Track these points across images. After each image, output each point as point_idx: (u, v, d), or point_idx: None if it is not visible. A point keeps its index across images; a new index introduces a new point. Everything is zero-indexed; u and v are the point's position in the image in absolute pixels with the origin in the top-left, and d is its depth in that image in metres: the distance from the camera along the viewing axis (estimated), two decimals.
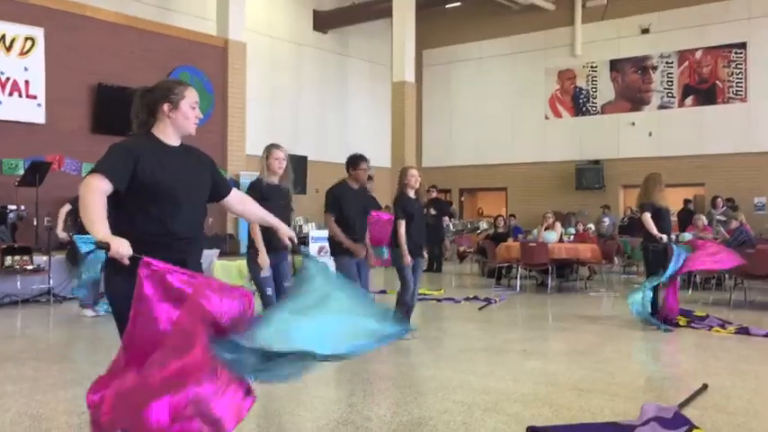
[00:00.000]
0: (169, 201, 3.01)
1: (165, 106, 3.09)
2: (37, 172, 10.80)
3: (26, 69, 12.09)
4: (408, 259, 6.84)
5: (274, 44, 18.23)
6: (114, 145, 3.02)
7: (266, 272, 5.67)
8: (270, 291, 5.67)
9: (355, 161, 6.67)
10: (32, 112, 12.15)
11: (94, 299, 8.64)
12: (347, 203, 6.55)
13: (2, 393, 4.89)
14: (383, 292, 10.83)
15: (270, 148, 5.86)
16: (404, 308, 6.93)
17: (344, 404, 4.69)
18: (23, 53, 12.07)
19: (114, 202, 2.95)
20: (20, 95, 12.02)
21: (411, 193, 7.07)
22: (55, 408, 4.50)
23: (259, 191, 5.57)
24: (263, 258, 5.59)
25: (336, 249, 6.64)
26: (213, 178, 3.29)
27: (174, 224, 3.03)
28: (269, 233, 5.28)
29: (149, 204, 2.98)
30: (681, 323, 8.08)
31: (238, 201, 3.47)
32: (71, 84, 12.49)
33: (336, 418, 4.34)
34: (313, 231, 13.56)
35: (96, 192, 2.85)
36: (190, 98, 3.13)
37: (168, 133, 3.12)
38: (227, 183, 3.45)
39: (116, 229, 2.87)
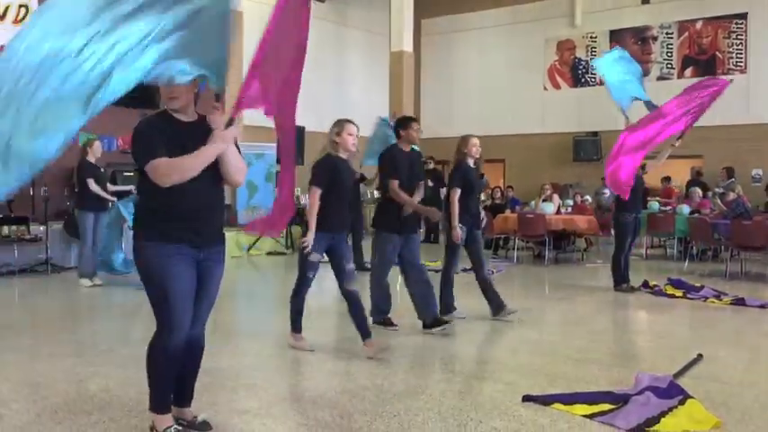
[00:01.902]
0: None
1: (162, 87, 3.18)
2: None
3: None
4: (458, 233, 6.32)
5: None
6: (138, 132, 3.16)
7: (315, 256, 5.11)
8: (312, 274, 5.19)
9: (406, 121, 6.11)
10: None
11: (93, 269, 8.64)
12: (401, 168, 5.91)
13: (1, 362, 4.91)
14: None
15: (343, 124, 5.19)
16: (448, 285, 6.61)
17: (342, 373, 4.72)
18: (17, 21, 11.94)
19: (140, 181, 3.23)
20: None
21: (471, 163, 6.60)
22: (54, 377, 4.53)
23: (333, 168, 5.11)
24: (310, 237, 5.04)
25: (384, 224, 5.96)
26: None
27: (186, 197, 3.16)
28: (330, 213, 5.06)
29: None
30: (676, 294, 8.13)
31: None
32: None
33: (334, 387, 4.38)
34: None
35: (163, 163, 3.07)
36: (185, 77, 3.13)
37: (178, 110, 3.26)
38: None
39: (143, 205, 3.26)
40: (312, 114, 18.86)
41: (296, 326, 5.39)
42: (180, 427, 3.35)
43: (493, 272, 10.23)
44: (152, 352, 3.26)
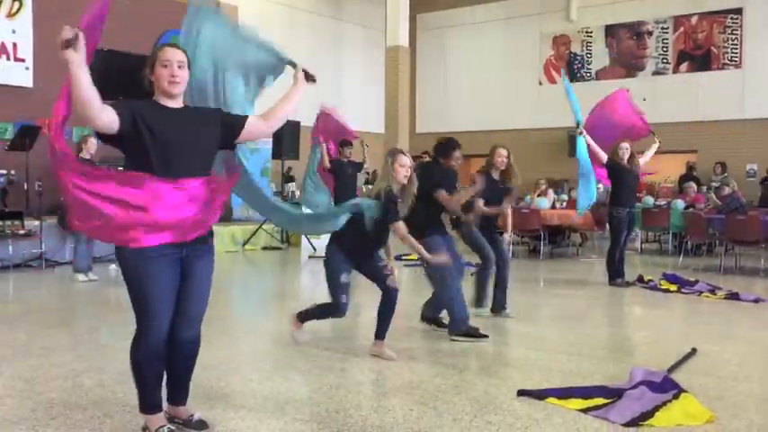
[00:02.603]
0: (163, 159, 3.10)
1: (147, 71, 3.25)
2: (27, 136, 10.70)
3: (14, 32, 11.92)
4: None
5: (267, 7, 17.98)
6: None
7: (346, 278, 4.95)
8: (345, 299, 4.93)
9: (447, 150, 5.97)
10: (20, 75, 12.01)
11: (88, 264, 8.62)
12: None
13: None
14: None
15: (395, 154, 4.97)
16: (482, 286, 6.61)
17: (337, 369, 4.72)
18: (11, 15, 11.89)
19: (124, 164, 3.18)
20: (8, 58, 11.86)
21: (495, 174, 6.48)
22: (48, 372, 4.52)
23: (393, 199, 4.87)
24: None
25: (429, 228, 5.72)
26: (223, 124, 3.32)
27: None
28: (359, 237, 4.84)
29: (148, 163, 3.08)
30: (671, 289, 8.15)
31: (258, 121, 3.41)
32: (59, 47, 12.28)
33: (330, 382, 4.38)
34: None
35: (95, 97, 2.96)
36: (161, 57, 3.19)
37: (159, 95, 3.23)
38: (240, 117, 3.40)
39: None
40: (308, 109, 18.90)
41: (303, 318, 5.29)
42: (173, 427, 3.33)
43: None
44: (133, 353, 3.23)
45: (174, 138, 3.13)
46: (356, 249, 4.96)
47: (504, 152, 6.52)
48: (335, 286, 4.94)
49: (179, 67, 3.18)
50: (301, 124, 15.24)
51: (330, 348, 5.35)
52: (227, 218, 13.77)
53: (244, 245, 12.50)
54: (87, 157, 8.45)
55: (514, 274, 10.05)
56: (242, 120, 3.37)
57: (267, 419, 3.69)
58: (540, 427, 3.57)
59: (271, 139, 14.36)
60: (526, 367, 4.79)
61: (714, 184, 13.89)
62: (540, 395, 4.04)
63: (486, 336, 5.62)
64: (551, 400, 3.97)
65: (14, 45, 11.92)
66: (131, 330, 3.29)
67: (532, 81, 20.13)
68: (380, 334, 5.06)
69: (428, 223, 5.72)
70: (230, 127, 3.34)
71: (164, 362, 3.30)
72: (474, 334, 5.59)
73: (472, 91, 20.83)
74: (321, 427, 3.55)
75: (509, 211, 6.92)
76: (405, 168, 4.91)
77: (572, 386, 4.23)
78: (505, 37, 20.47)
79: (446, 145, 6.01)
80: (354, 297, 6.32)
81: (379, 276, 5.01)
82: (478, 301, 6.64)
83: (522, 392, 4.09)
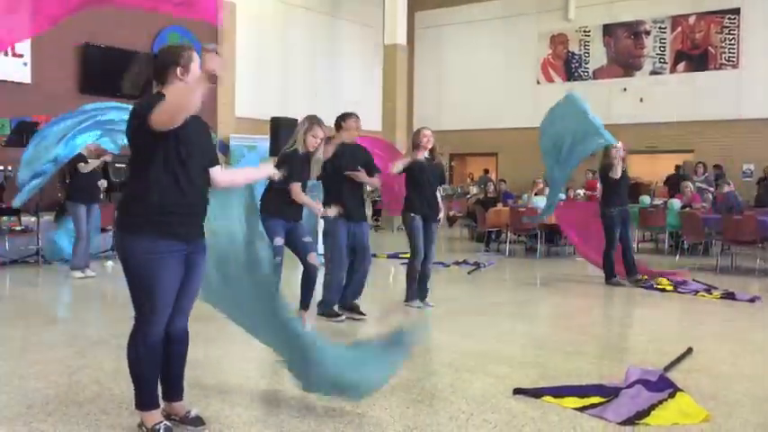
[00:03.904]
0: (184, 166, 3.14)
1: (178, 70, 3.18)
2: (24, 132, 10.66)
3: None
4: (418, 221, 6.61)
5: (264, 5, 17.96)
6: (139, 105, 3.11)
7: (279, 241, 5.55)
8: (279, 259, 5.48)
9: (343, 117, 6.23)
10: (18, 71, 11.99)
11: (86, 261, 8.62)
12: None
13: None
14: (396, 255, 10.82)
15: (312, 125, 5.59)
16: (413, 278, 6.78)
17: None
18: None
19: (134, 171, 3.17)
20: (5, 54, 11.83)
21: (420, 155, 6.63)
22: (44, 368, 4.52)
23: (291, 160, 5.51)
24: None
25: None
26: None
27: (187, 194, 3.18)
28: (281, 202, 5.48)
29: (168, 171, 3.11)
30: (667, 288, 8.17)
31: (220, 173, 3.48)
32: (57, 43, 12.27)
33: None
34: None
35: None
36: (198, 61, 3.19)
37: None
38: (216, 153, 3.48)
39: (135, 196, 3.15)
40: (305, 106, 18.89)
41: None
42: (169, 423, 3.34)
43: (485, 265, 10.27)
44: (133, 348, 3.24)
45: (193, 143, 3.23)
46: (282, 211, 5.49)
47: (428, 132, 6.75)
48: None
49: None
50: (299, 122, 15.21)
51: None
52: None
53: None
54: (84, 152, 8.40)
55: (512, 272, 10.10)
56: (215, 159, 3.45)
57: (263, 417, 3.69)
58: (536, 426, 3.57)
59: (268, 137, 14.39)
60: (522, 365, 4.80)
61: (701, 185, 13.89)
62: (537, 393, 4.04)
63: (340, 315, 6.15)
64: (547, 398, 3.97)
65: None
66: (129, 327, 3.29)
67: (530, 80, 20.14)
68: (302, 304, 5.79)
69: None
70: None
71: (160, 358, 3.31)
72: (332, 314, 6.13)
73: (470, 89, 20.83)
74: (317, 424, 3.55)
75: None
76: (316, 139, 5.51)
77: (568, 385, 4.24)
78: (503, 35, 20.48)
79: (343, 114, 6.28)
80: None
81: (301, 251, 5.66)
82: (409, 296, 6.81)
83: (518, 391, 4.09)
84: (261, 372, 4.59)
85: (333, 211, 5.92)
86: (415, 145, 6.70)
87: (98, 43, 12.62)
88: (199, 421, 3.45)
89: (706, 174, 14.70)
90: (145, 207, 3.14)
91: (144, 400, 3.30)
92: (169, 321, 3.29)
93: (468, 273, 9.64)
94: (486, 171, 20.03)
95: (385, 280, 9.16)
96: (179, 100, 2.98)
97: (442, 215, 6.93)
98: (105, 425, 3.51)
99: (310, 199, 5.73)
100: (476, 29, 20.99)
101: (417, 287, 6.81)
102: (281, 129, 13.57)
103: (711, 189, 13.36)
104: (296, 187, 5.51)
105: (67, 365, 4.59)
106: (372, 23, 20.32)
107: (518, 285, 8.83)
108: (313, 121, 5.57)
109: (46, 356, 4.82)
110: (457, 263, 10.57)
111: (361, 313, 6.24)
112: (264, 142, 14.75)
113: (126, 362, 3.27)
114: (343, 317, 6.14)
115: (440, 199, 6.89)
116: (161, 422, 3.30)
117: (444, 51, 21.65)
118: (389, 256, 11.00)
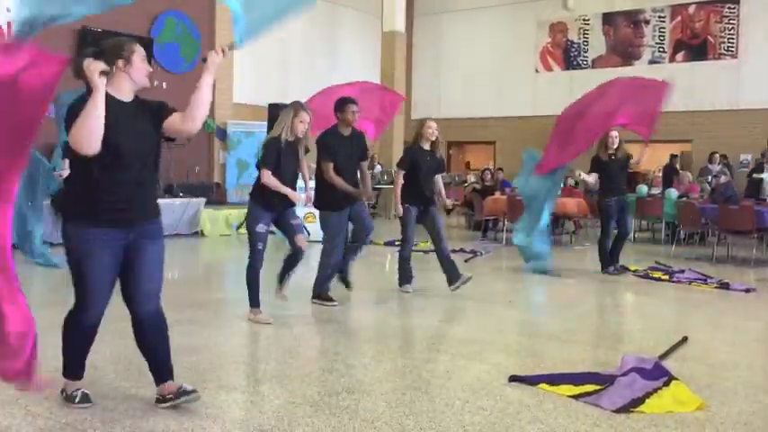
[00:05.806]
0: (115, 156, 3.17)
1: (120, 62, 3.26)
2: None
3: (8, 11, 11.82)
4: (400, 209, 6.73)
5: None
6: (75, 105, 3.18)
7: (262, 228, 5.45)
8: (261, 246, 5.45)
9: (342, 104, 6.20)
10: None
11: None
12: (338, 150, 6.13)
13: None
14: (392, 243, 10.82)
15: (298, 110, 5.54)
16: (405, 261, 6.90)
17: (330, 353, 4.73)
18: None
19: (73, 162, 3.25)
20: (1, 38, 11.77)
21: (425, 145, 6.79)
22: (43, 352, 4.48)
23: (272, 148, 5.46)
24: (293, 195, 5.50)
25: (323, 204, 6.23)
26: (159, 120, 3.34)
27: (119, 187, 3.23)
28: (268, 192, 5.38)
29: (103, 159, 3.13)
30: (662, 278, 8.19)
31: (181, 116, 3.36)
32: (54, 27, 12.17)
33: (322, 366, 4.39)
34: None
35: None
36: (140, 52, 3.30)
37: (123, 88, 3.28)
38: (166, 108, 3.40)
39: (75, 185, 3.27)
40: (303, 93, 18.81)
41: (253, 302, 5.57)
42: (87, 391, 3.53)
43: (482, 253, 10.28)
44: (67, 325, 3.48)
45: (128, 134, 3.27)
46: (271, 202, 5.42)
47: (433, 124, 6.87)
48: (252, 234, 5.46)
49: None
50: (283, 110, 15.20)
51: (323, 333, 5.36)
52: (221, 200, 13.76)
53: (238, 228, 12.48)
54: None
55: (509, 261, 10.10)
56: (166, 110, 3.38)
57: (259, 401, 3.70)
58: (531, 413, 3.59)
59: (266, 123, 14.33)
60: (518, 353, 4.81)
61: (717, 174, 13.92)
62: (532, 381, 4.06)
63: (333, 300, 6.11)
64: (543, 386, 3.99)
65: (9, 24, 11.82)
66: (124, 313, 3.29)
67: (529, 68, 20.08)
68: (279, 278, 5.84)
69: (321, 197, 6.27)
70: (162, 120, 3.36)
71: (92, 341, 3.52)
72: (325, 298, 6.12)
73: (468, 77, 20.76)
74: (314, 410, 3.56)
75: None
76: (303, 125, 5.45)
77: (564, 372, 4.25)
78: (502, 24, 20.38)
79: (341, 100, 6.28)
80: (350, 292, 6.39)
81: (290, 233, 5.61)
82: (403, 279, 6.91)
83: (513, 378, 4.11)
84: (257, 357, 4.59)
85: (302, 200, 5.96)
86: (420, 135, 6.79)
87: (95, 28, 12.55)
88: (193, 392, 3.48)
89: (720, 164, 14.75)
90: (81, 196, 3.25)
91: (70, 371, 3.57)
92: (137, 306, 3.40)
93: (465, 261, 9.65)
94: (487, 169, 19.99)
95: (381, 266, 9.16)
96: (85, 124, 3.05)
97: (444, 195, 7.16)
98: (100, 409, 3.52)
99: (286, 187, 5.44)
100: (475, 16, 20.89)
101: (445, 270, 6.85)
102: (278, 114, 13.52)
103: (729, 178, 13.29)
104: (266, 173, 5.36)
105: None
106: (371, 10, 20.21)
107: (515, 274, 8.84)
108: (298, 106, 5.57)
109: (44, 340, 4.77)
110: (454, 251, 10.55)
111: (332, 299, 6.17)
112: (261, 128, 14.70)
113: (122, 347, 3.28)
114: (337, 303, 6.12)
115: (441, 185, 7.06)
116: (79, 389, 3.52)
117: (443, 39, 21.56)
118: (386, 243, 11.00)
